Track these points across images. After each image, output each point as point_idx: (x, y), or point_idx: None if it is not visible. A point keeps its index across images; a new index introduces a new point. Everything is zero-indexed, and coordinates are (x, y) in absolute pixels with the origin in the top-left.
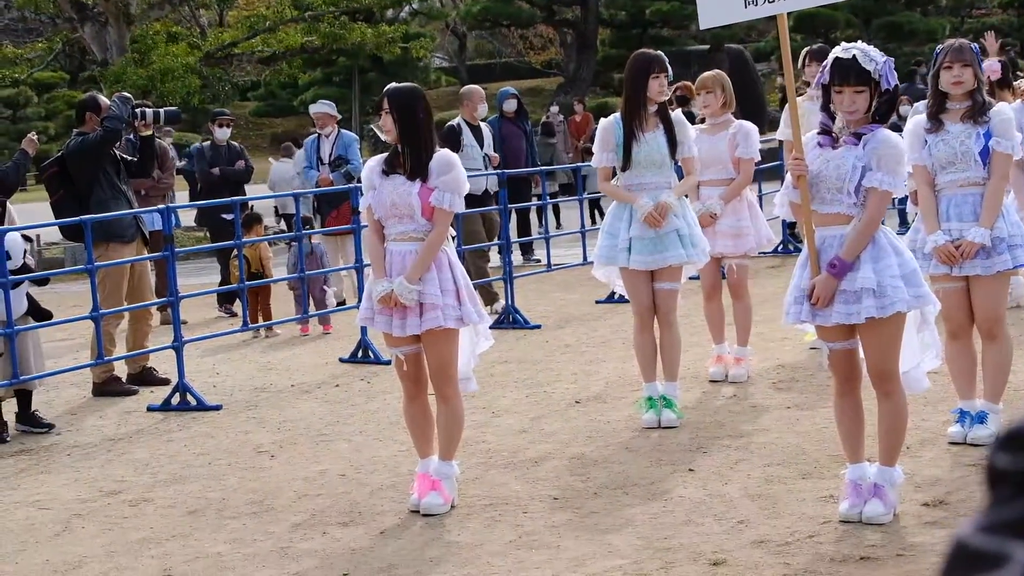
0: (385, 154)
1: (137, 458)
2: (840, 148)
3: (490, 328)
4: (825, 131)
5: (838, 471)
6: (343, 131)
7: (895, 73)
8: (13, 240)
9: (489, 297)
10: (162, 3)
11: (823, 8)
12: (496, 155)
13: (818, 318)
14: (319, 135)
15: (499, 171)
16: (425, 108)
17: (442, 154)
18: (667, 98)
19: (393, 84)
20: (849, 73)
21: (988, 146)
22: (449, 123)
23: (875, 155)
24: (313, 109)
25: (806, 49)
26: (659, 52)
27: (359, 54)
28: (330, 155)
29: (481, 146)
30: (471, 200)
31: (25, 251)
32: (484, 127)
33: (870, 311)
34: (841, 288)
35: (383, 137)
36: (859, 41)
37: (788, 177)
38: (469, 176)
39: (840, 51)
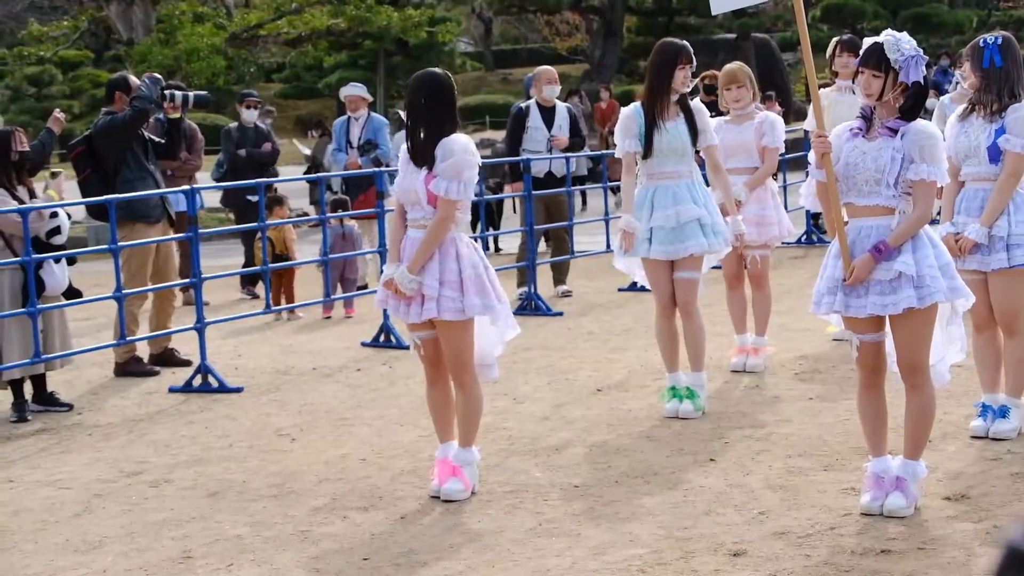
0: None
1: (158, 439)
2: (876, 140)
3: (514, 314)
4: (864, 117)
5: (860, 463)
6: (373, 115)
7: (921, 71)
8: (61, 216)
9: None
10: None
11: None
12: (562, 137)
13: (851, 309)
14: (349, 118)
15: (526, 157)
16: (430, 94)
17: (448, 139)
18: (690, 88)
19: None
20: (871, 56)
21: (996, 144)
22: (517, 105)
23: (915, 146)
24: (345, 91)
25: (836, 39)
26: (685, 42)
27: (385, 37)
28: (359, 139)
29: (549, 128)
30: (535, 183)
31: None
32: (560, 108)
33: (910, 301)
34: (876, 279)
35: None
36: (884, 32)
37: (812, 156)
38: (530, 159)
39: (882, 35)
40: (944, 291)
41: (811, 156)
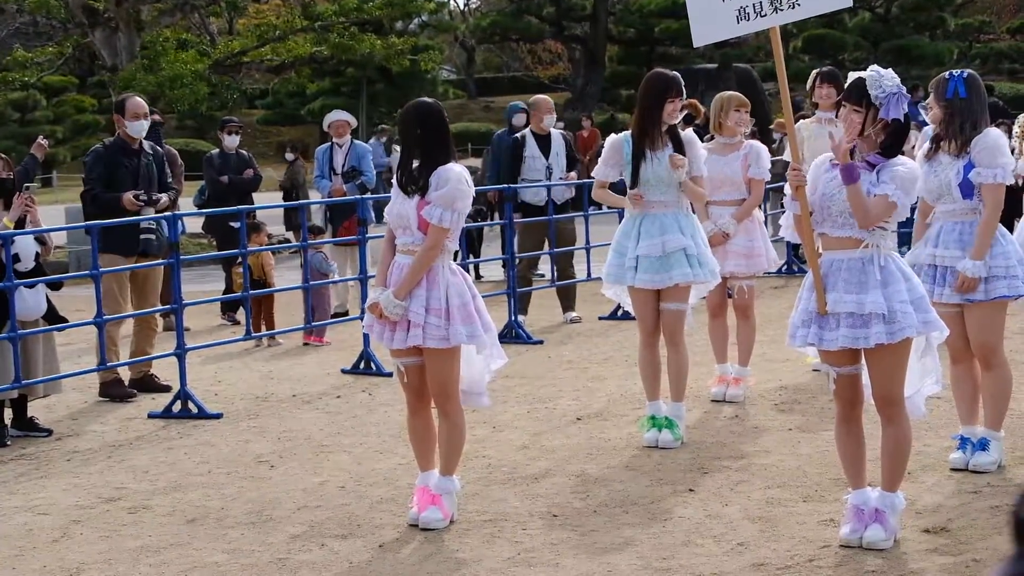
0: None
1: (137, 465)
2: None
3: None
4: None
5: (839, 495)
6: (356, 142)
7: (903, 109)
8: (23, 242)
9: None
10: (173, 10)
11: (832, 30)
12: (573, 173)
13: (825, 342)
14: (332, 144)
15: (510, 185)
16: (425, 123)
17: (444, 168)
18: (679, 120)
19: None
20: (853, 91)
21: (968, 179)
22: (514, 136)
23: (889, 175)
24: (330, 117)
25: (815, 71)
26: (676, 74)
27: (368, 65)
28: (343, 165)
29: (547, 156)
30: (531, 210)
31: (37, 253)
32: (555, 135)
33: (880, 337)
34: (848, 311)
35: None
36: (871, 65)
37: (787, 188)
38: (528, 187)
39: (867, 72)
40: (916, 325)
41: (787, 188)
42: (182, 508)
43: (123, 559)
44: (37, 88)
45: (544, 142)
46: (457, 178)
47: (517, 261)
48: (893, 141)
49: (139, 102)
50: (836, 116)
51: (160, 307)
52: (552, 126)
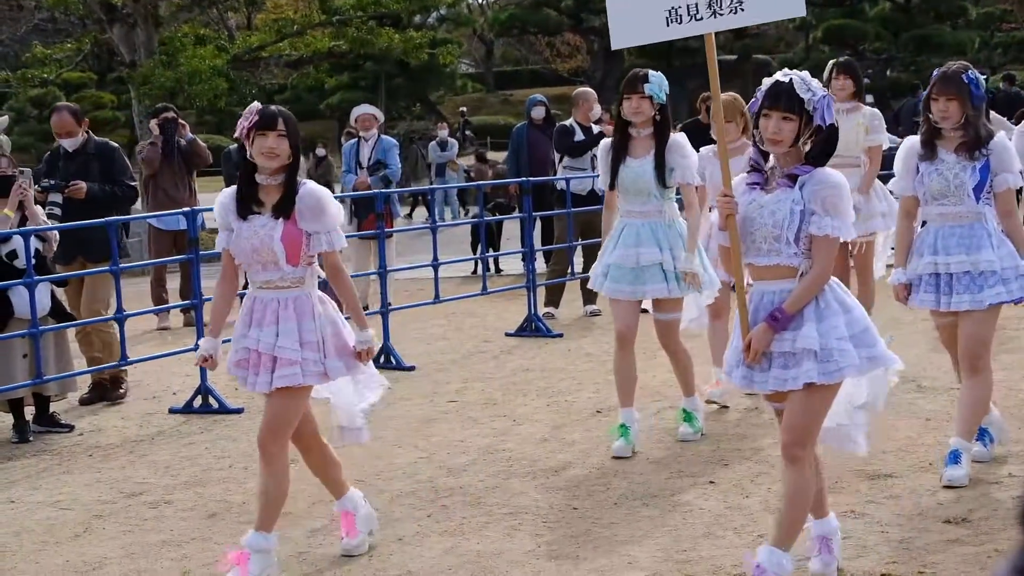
0: (234, 188)
1: (158, 460)
2: (774, 191)
3: (513, 335)
4: (756, 169)
5: (859, 486)
6: (383, 136)
7: (832, 113)
8: (18, 239)
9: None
10: (191, 5)
11: (852, 20)
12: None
13: (755, 384)
14: (359, 139)
15: (527, 179)
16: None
17: (308, 190)
18: (643, 119)
19: (276, 107)
20: (780, 97)
21: (983, 181)
22: (561, 123)
23: (817, 197)
24: (357, 111)
25: (832, 62)
26: (639, 70)
27: (386, 59)
28: (369, 159)
29: (591, 146)
30: (577, 200)
31: (37, 250)
32: (596, 129)
33: (810, 375)
34: (781, 350)
35: (264, 164)
36: (885, 54)
37: (715, 216)
38: (576, 177)
39: (779, 75)
40: (856, 365)
41: (714, 217)
42: (203, 503)
43: (145, 553)
44: (56, 85)
45: (588, 133)
46: (328, 196)
47: (538, 254)
48: (822, 150)
49: (61, 121)
50: (852, 109)
51: (176, 304)
52: (598, 117)
